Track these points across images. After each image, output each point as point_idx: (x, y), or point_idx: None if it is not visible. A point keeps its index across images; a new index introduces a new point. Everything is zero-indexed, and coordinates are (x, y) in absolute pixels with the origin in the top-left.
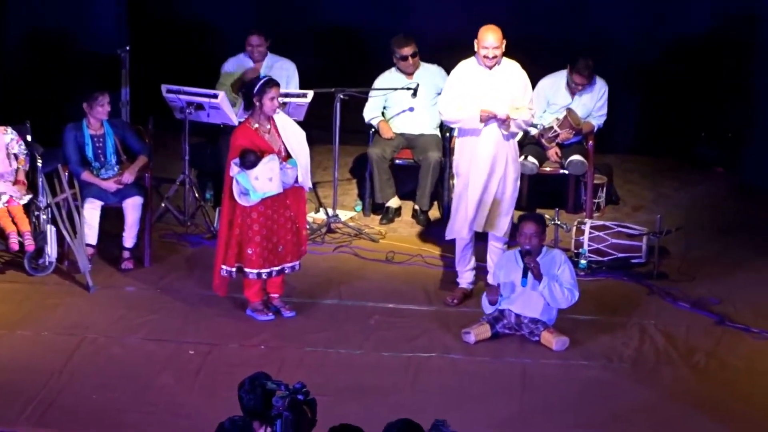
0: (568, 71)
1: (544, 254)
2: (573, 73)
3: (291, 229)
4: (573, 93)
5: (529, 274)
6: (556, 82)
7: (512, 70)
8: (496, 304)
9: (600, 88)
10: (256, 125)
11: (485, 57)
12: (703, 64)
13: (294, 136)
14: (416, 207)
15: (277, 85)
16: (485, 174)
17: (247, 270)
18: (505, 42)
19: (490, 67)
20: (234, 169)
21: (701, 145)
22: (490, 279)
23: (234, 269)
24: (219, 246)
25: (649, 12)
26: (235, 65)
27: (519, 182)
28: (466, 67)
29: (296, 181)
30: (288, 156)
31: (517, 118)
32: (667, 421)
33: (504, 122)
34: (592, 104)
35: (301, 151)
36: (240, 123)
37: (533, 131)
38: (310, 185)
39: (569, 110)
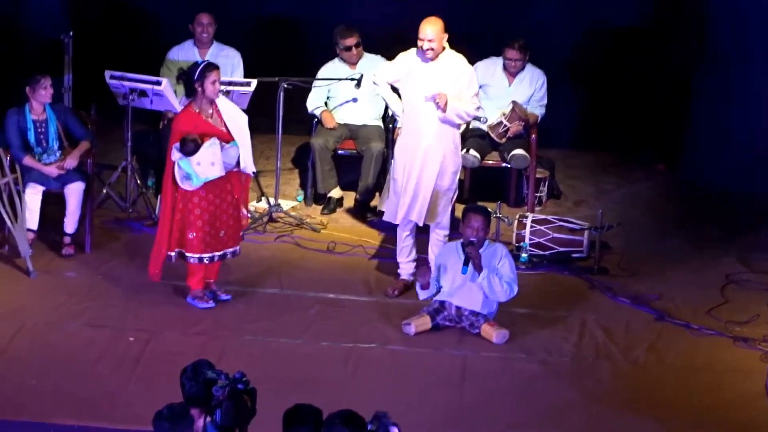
0: (503, 52)
1: (486, 247)
2: (507, 49)
3: (233, 215)
4: (511, 75)
5: (470, 264)
6: (490, 66)
7: (457, 63)
8: (428, 288)
9: (538, 77)
10: (198, 110)
11: (421, 48)
12: (647, 61)
13: (235, 121)
14: (358, 197)
15: (217, 68)
16: (419, 165)
17: (188, 255)
18: (446, 36)
19: (432, 59)
20: (175, 155)
21: (642, 141)
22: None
23: (174, 254)
24: (160, 230)
25: (591, 6)
26: (179, 53)
27: (458, 175)
28: (410, 56)
29: (238, 163)
30: (232, 138)
31: (458, 106)
32: (605, 415)
33: (441, 106)
34: (531, 91)
35: (242, 136)
36: (183, 108)
37: (478, 124)
38: (254, 169)
39: (514, 102)
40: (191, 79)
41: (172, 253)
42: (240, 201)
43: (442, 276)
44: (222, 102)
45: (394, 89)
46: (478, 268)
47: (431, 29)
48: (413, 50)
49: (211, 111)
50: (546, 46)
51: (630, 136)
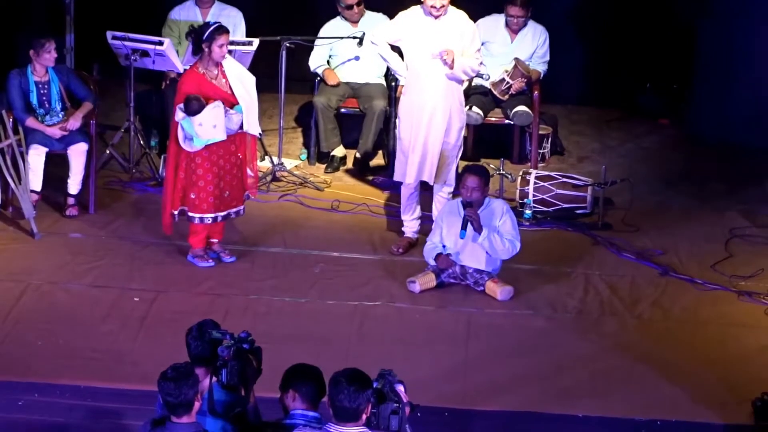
0: (505, 9)
1: (485, 205)
2: (509, 6)
3: (236, 175)
4: (513, 32)
5: (469, 226)
6: (492, 23)
7: (459, 20)
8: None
9: (540, 34)
10: (204, 71)
11: (432, 7)
12: (650, 14)
13: (242, 82)
14: (357, 155)
15: (227, 32)
16: (426, 123)
17: (191, 215)
18: None
19: (437, 17)
20: (179, 115)
21: (646, 96)
22: (433, 226)
23: (176, 212)
24: (166, 189)
25: None
26: (181, 13)
27: (463, 132)
28: (412, 15)
29: (241, 127)
30: (236, 101)
31: (464, 62)
32: (611, 370)
33: (449, 62)
34: (533, 47)
35: (248, 97)
36: (188, 68)
37: (481, 81)
38: (260, 131)
39: (517, 59)
40: (200, 39)
41: (175, 212)
42: (245, 162)
43: (445, 235)
44: (229, 63)
45: (394, 49)
46: (478, 229)
47: None
48: (414, 8)
49: (216, 72)
50: (548, 1)
51: (633, 91)
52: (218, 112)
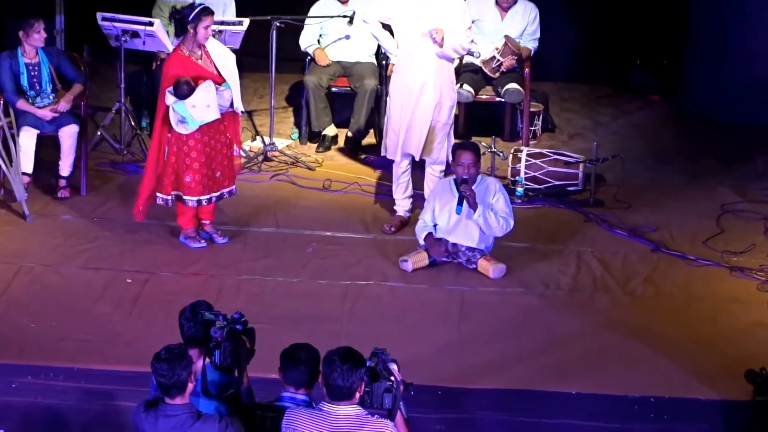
0: None
1: (479, 183)
2: None
3: (227, 155)
4: (504, 9)
5: (464, 203)
6: (482, 1)
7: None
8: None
9: (531, 11)
10: (188, 52)
11: None
12: None
13: (223, 61)
14: (349, 134)
15: (212, 14)
16: (415, 100)
17: (186, 198)
18: None
19: None
20: (170, 98)
21: (637, 72)
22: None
23: (170, 197)
24: (147, 172)
25: None
26: None
27: (454, 110)
28: None
29: (232, 104)
30: (223, 79)
31: (454, 41)
32: (604, 347)
33: (439, 41)
34: (523, 25)
35: (230, 75)
36: (172, 50)
37: (471, 59)
38: (242, 109)
39: (507, 37)
40: (185, 19)
41: (169, 197)
42: (233, 141)
43: (438, 213)
44: (210, 42)
45: (385, 27)
46: (473, 206)
47: None
48: None
49: (200, 53)
50: None
51: (625, 67)
52: (210, 92)
